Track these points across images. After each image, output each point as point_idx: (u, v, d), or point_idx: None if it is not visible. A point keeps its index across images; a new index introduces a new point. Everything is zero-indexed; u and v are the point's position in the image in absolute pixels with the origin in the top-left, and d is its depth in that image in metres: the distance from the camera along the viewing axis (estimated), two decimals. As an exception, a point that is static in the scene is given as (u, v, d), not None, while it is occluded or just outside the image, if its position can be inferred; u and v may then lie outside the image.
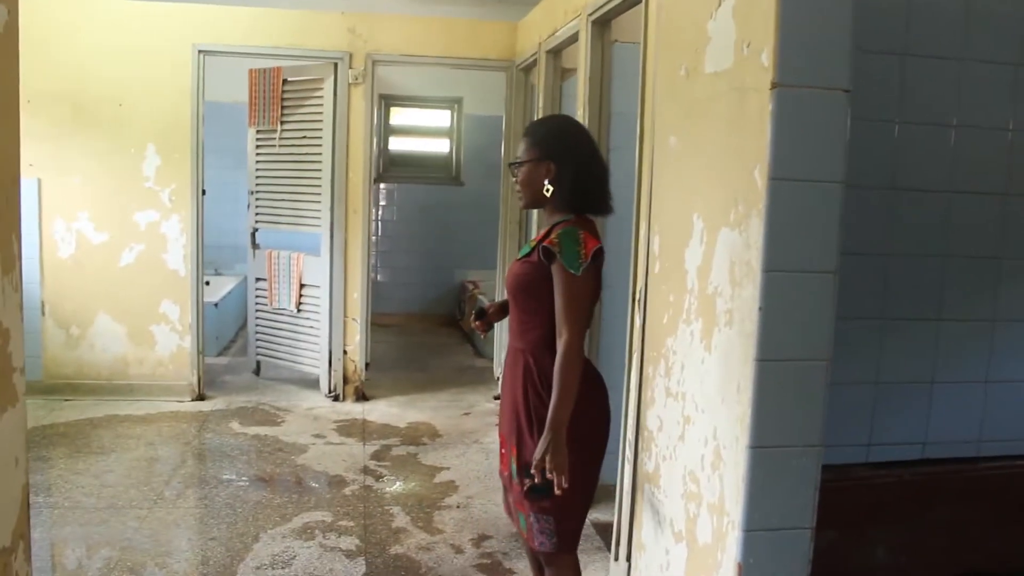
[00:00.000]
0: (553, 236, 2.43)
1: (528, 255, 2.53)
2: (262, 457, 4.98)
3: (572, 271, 2.38)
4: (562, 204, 2.54)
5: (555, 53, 5.13)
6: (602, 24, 4.10)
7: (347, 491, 4.52)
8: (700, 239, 2.57)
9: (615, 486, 3.46)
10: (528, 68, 5.98)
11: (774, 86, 2.11)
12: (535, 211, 4.55)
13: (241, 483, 4.57)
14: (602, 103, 4.16)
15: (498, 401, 4.43)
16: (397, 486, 4.64)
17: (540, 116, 5.31)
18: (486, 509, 4.32)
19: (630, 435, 3.31)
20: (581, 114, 4.23)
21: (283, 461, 4.92)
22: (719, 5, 2.44)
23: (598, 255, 2.44)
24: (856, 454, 2.75)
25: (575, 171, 2.52)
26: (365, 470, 4.83)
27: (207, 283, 8.21)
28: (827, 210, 2.17)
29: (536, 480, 2.35)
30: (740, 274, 2.27)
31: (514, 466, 2.56)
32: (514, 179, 2.65)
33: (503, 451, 2.67)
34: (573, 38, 4.52)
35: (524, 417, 2.54)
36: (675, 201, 2.83)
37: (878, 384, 2.75)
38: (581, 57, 4.24)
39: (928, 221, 2.74)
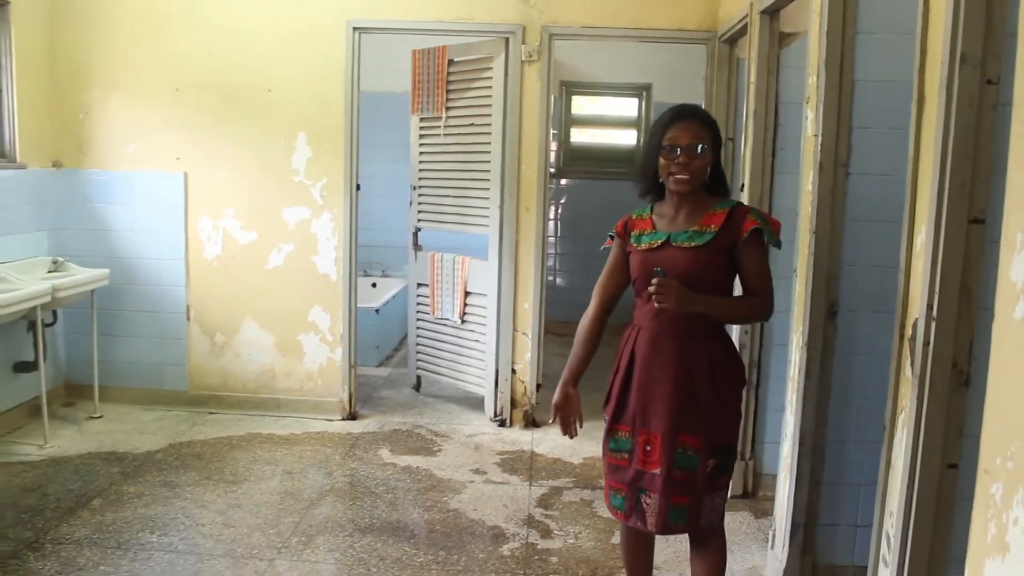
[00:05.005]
0: (750, 217, 2.58)
1: (708, 242, 2.57)
2: (410, 497, 4.24)
3: (775, 247, 2.64)
4: (714, 187, 2.67)
5: (771, 14, 4.11)
6: (844, -37, 3.09)
7: (505, 550, 3.70)
8: None
9: None
10: (733, 39, 4.96)
11: None
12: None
13: (381, 531, 3.84)
14: (843, 68, 3.12)
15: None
16: (566, 546, 3.77)
17: (748, 94, 4.32)
18: (677, 586, 3.40)
19: (891, 526, 2.31)
20: (812, 83, 3.23)
21: (434, 504, 4.16)
22: None
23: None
24: None
25: (720, 154, 2.69)
26: (529, 521, 4.00)
27: (374, 285, 7.69)
28: None
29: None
30: None
31: (690, 453, 2.58)
32: (682, 161, 2.57)
33: (648, 448, 2.63)
34: (800, -14, 3.52)
35: (710, 401, 2.58)
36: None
37: None
38: (815, 8, 3.23)
39: None
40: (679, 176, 2.57)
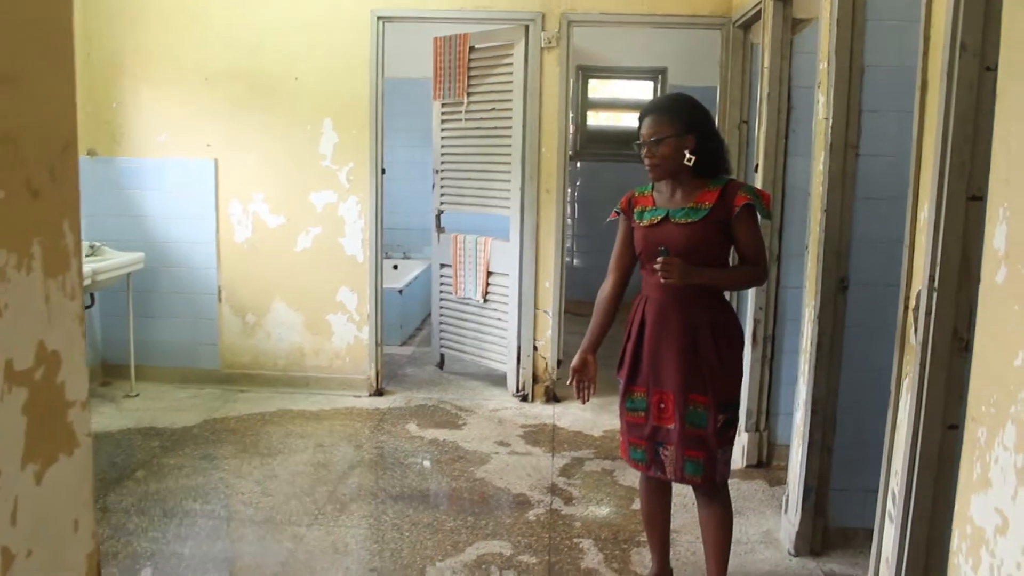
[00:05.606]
0: (741, 193, 2.81)
1: (703, 217, 2.81)
2: (438, 468, 4.43)
3: (766, 219, 3.01)
4: (704, 170, 2.86)
5: (784, 0, 4.25)
6: (854, -49, 3.22)
7: (530, 515, 3.89)
8: None
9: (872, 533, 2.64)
10: (747, 24, 5.09)
11: None
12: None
13: (412, 499, 4.03)
14: (853, 54, 3.27)
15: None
16: (589, 512, 3.96)
17: (761, 78, 4.46)
18: (695, 549, 3.58)
19: (896, 483, 2.48)
20: (824, 68, 3.37)
21: (461, 474, 4.35)
22: None
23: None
24: None
25: (713, 140, 2.90)
26: (552, 489, 4.19)
27: (395, 267, 7.88)
28: None
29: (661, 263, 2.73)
30: None
31: (700, 410, 2.83)
32: (647, 154, 2.86)
33: (662, 406, 2.89)
34: (812, -26, 3.65)
35: (714, 362, 2.83)
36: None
37: None
38: (825, -5, 3.37)
39: None
40: (650, 169, 2.90)
